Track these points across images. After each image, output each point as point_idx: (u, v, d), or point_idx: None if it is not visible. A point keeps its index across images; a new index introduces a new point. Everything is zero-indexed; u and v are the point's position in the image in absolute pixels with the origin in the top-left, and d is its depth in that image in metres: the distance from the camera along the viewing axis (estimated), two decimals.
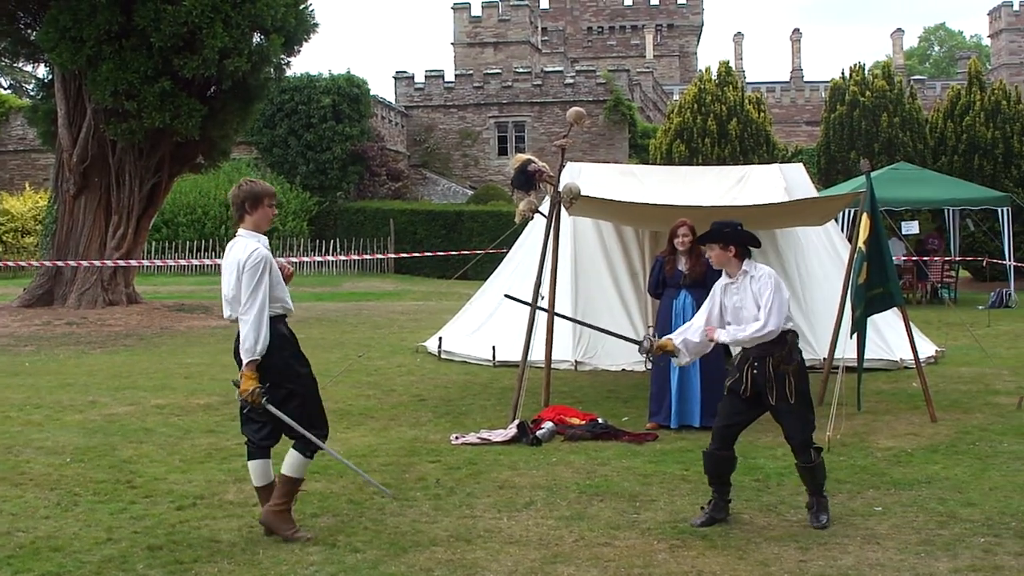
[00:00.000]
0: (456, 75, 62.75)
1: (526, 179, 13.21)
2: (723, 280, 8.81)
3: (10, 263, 36.84)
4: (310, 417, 8.33)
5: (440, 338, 19.07)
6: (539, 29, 79.37)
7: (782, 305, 8.49)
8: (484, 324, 18.24)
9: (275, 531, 8.09)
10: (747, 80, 78.14)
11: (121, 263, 27.58)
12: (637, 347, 9.13)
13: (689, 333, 8.92)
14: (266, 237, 8.29)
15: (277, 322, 8.18)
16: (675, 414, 12.73)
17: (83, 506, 9.12)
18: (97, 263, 27.03)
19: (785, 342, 8.54)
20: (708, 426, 12.07)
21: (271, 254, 8.19)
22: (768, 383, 8.48)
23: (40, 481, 10.02)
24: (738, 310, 8.66)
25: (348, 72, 50.91)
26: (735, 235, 8.67)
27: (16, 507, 9.09)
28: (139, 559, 7.68)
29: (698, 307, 12.63)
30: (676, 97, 61.91)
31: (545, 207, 13.68)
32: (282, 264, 8.55)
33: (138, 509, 8.98)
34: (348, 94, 50.00)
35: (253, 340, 7.92)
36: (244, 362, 8.00)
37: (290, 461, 8.22)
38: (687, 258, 12.87)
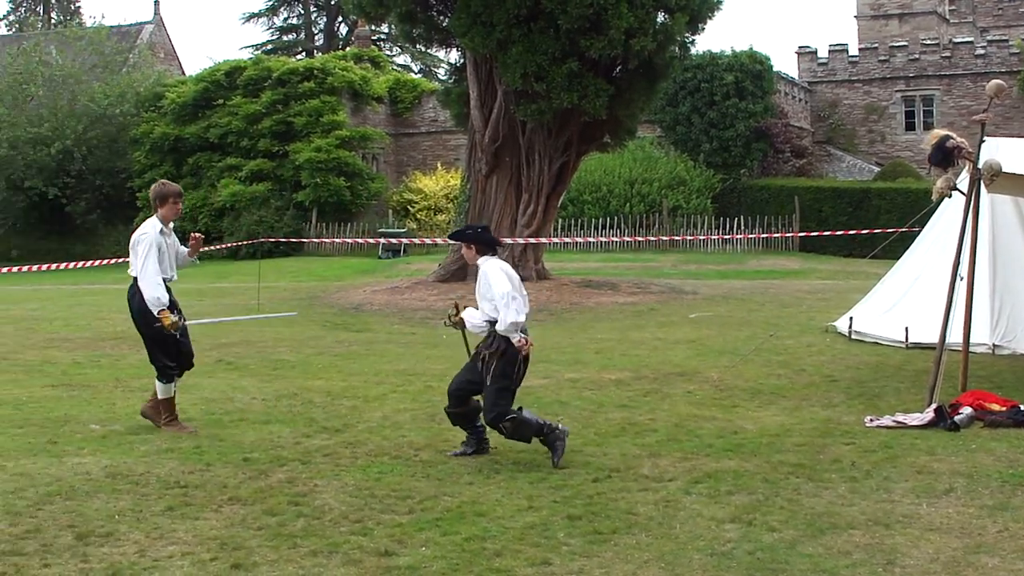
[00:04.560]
0: (860, 49, 61.32)
1: (944, 155, 12.83)
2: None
3: (426, 240, 38.46)
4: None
5: (851, 318, 18.70)
6: None
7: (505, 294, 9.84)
8: (896, 304, 17.79)
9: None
10: None
11: (531, 240, 28.31)
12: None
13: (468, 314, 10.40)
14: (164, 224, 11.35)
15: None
16: None
17: (504, 474, 9.48)
18: (508, 240, 27.83)
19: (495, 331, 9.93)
20: None
21: (163, 240, 11.23)
22: (487, 362, 9.96)
23: None
24: (481, 294, 10.15)
25: (750, 48, 50.52)
26: (474, 236, 10.48)
27: (442, 472, 9.54)
28: (559, 527, 7.92)
29: None
30: None
31: (963, 184, 13.26)
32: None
33: (556, 479, 9.26)
34: (751, 71, 49.62)
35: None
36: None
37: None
38: None
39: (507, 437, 9.92)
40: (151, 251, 11.11)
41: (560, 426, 10.02)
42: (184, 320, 11.46)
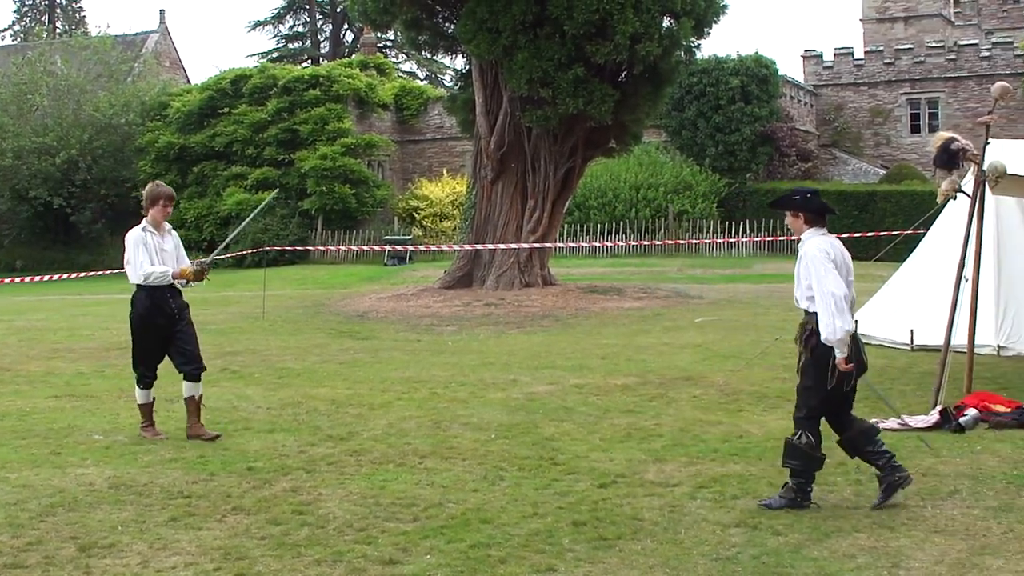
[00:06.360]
0: (866, 52, 61.23)
1: (949, 158, 12.80)
2: None
3: (432, 247, 38.48)
4: None
5: (856, 320, 18.61)
6: (951, 1, 76.41)
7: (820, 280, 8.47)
8: (902, 307, 17.78)
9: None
10: None
11: (537, 246, 28.30)
12: None
13: None
14: (163, 224, 11.61)
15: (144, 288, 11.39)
16: None
17: (509, 481, 9.47)
18: (514, 246, 27.86)
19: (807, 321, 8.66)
20: None
21: (148, 237, 11.42)
22: (800, 355, 8.81)
23: (468, 455, 10.47)
24: (798, 277, 8.77)
25: (756, 52, 50.46)
26: (802, 203, 8.78)
27: (447, 479, 9.52)
28: (564, 534, 7.92)
29: None
30: None
31: (968, 186, 13.23)
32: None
33: (562, 486, 9.25)
34: (756, 75, 49.55)
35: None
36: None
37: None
38: None
39: (788, 448, 8.67)
40: (137, 250, 11.40)
41: (905, 474, 8.61)
42: (204, 262, 11.87)
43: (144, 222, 11.59)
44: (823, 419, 8.76)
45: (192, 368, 11.49)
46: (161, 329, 11.45)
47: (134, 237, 11.46)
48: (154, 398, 11.72)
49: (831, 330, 8.35)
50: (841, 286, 8.45)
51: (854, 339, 8.56)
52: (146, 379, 11.58)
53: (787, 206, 8.90)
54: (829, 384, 8.53)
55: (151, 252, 11.40)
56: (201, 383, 11.56)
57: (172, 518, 8.38)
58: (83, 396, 14.26)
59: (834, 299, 8.36)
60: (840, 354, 8.42)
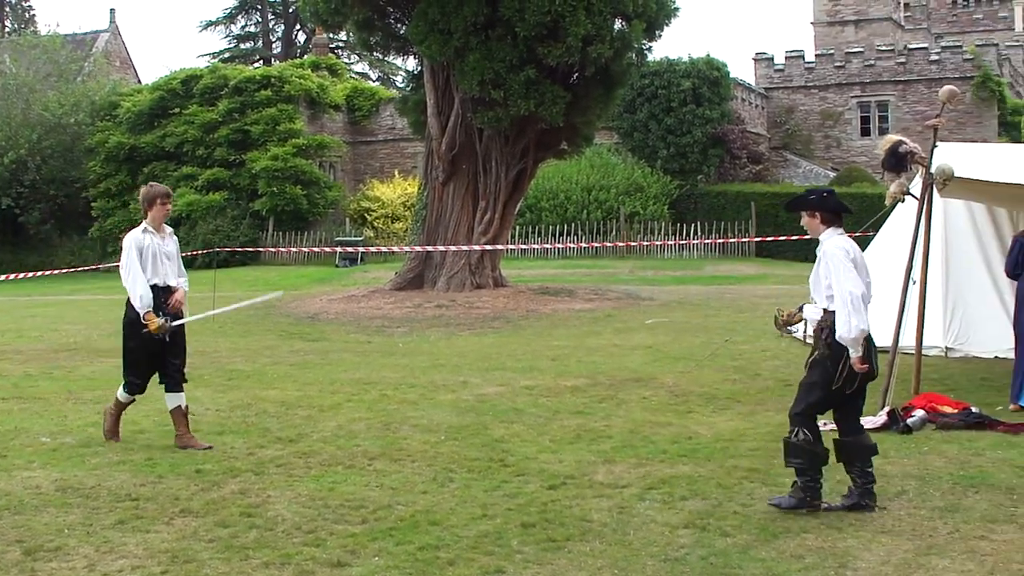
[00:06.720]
0: (816, 55, 61.59)
1: (897, 161, 12.87)
2: None
3: (383, 248, 38.41)
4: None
5: (805, 322, 18.70)
6: (901, 4, 76.97)
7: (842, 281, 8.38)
8: None
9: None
10: None
11: (488, 247, 28.31)
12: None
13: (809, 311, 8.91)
14: (164, 226, 11.22)
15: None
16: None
17: (458, 482, 9.45)
18: (465, 248, 27.85)
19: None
20: None
21: (148, 239, 10.98)
22: (812, 351, 8.75)
23: (417, 457, 10.44)
24: (817, 278, 8.72)
25: (707, 55, 50.66)
26: (818, 202, 8.93)
27: (396, 481, 9.50)
28: (513, 535, 7.91)
29: None
30: None
31: (916, 189, 13.32)
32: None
33: (511, 487, 9.24)
34: (708, 77, 49.77)
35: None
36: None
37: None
38: None
39: (788, 447, 8.60)
40: (130, 255, 10.95)
41: (874, 505, 8.48)
42: (171, 323, 11.00)
43: (144, 223, 11.14)
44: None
45: (169, 381, 11.12)
46: (149, 339, 10.94)
47: (130, 239, 11.05)
48: (133, 400, 11.45)
49: (847, 328, 8.29)
50: (859, 285, 8.38)
51: (868, 342, 8.45)
52: (133, 386, 11.18)
53: (803, 206, 9.04)
54: (835, 384, 8.49)
55: (149, 257, 10.97)
56: (183, 393, 11.20)
57: (119, 521, 8.32)
58: (30, 398, 14.13)
59: (851, 298, 8.30)
60: (855, 353, 8.35)
